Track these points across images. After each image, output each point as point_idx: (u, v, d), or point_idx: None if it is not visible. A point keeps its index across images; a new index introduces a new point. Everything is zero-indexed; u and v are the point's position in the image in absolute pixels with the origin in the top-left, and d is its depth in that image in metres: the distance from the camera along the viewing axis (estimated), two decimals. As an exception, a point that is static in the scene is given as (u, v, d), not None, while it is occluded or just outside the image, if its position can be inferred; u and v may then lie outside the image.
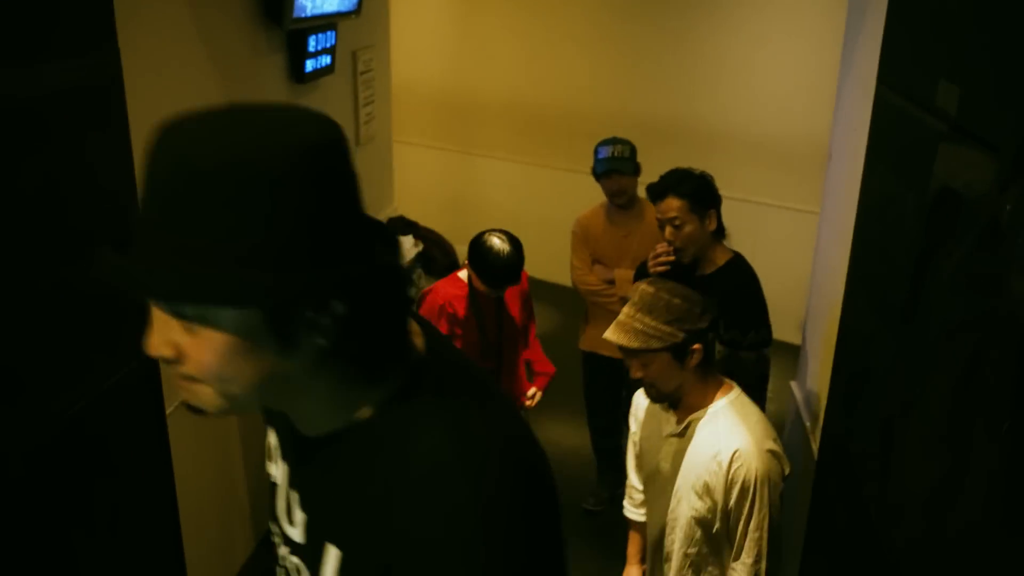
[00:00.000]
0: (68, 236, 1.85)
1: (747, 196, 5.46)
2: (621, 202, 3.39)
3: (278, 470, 1.04)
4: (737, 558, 1.95)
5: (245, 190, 0.75)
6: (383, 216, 4.82)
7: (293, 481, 0.99)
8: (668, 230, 2.60)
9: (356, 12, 3.73)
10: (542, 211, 6.13)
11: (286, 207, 0.76)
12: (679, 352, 1.90)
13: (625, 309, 1.93)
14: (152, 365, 2.12)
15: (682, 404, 2.02)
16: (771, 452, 1.91)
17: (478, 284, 2.90)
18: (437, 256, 4.52)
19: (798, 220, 5.12)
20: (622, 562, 2.36)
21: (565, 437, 4.11)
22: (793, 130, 5.12)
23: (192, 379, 0.85)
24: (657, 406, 2.10)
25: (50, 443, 1.79)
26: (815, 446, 2.50)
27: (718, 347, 2.56)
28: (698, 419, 1.99)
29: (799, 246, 4.70)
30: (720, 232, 2.67)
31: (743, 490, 1.89)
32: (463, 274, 3.02)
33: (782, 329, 5.36)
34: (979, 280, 1.14)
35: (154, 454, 2.16)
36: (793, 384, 3.06)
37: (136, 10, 2.32)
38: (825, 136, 3.14)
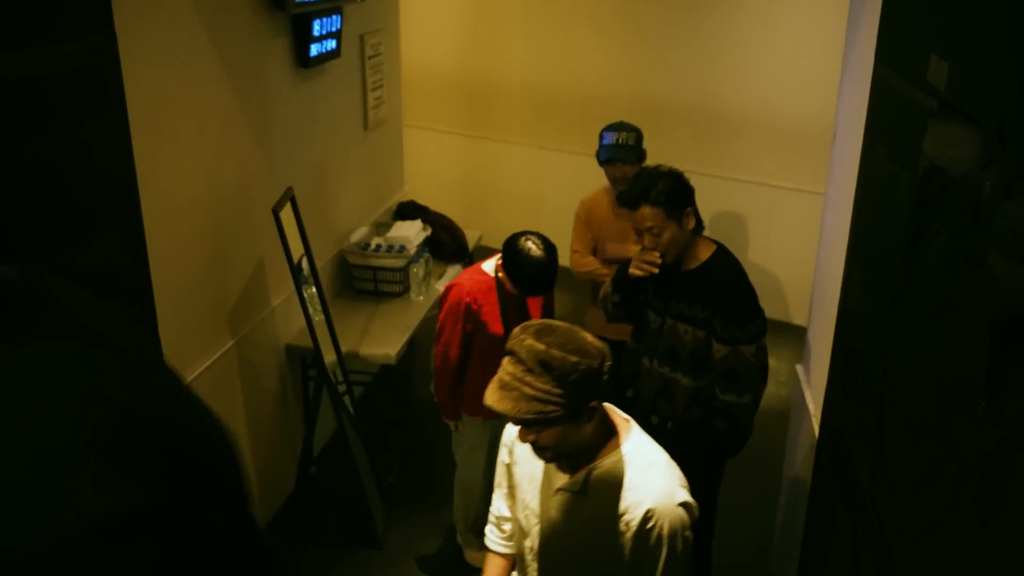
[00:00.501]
0: (66, 218, 1.87)
1: (761, 179, 5.41)
2: (624, 188, 3.36)
3: None
4: None
5: None
6: (393, 201, 4.83)
7: None
8: (647, 238, 2.53)
9: (362, -4, 3.73)
10: (554, 195, 6.11)
11: None
12: (577, 414, 1.65)
13: (509, 367, 1.65)
14: (155, 347, 2.14)
15: (577, 456, 1.78)
16: (683, 505, 1.71)
17: (508, 285, 2.86)
18: (446, 240, 4.52)
19: (812, 203, 5.06)
20: None
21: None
22: (806, 112, 5.07)
23: None
24: None
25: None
26: (817, 430, 2.49)
27: (717, 346, 2.53)
28: (598, 473, 1.75)
29: (813, 229, 4.67)
30: (699, 226, 2.59)
31: (657, 551, 1.70)
32: (487, 265, 2.96)
33: (795, 312, 5.34)
34: (962, 260, 1.12)
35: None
36: (798, 367, 3.03)
37: (134, -6, 2.32)
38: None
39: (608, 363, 1.66)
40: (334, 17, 3.56)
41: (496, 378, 1.67)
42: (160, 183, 2.52)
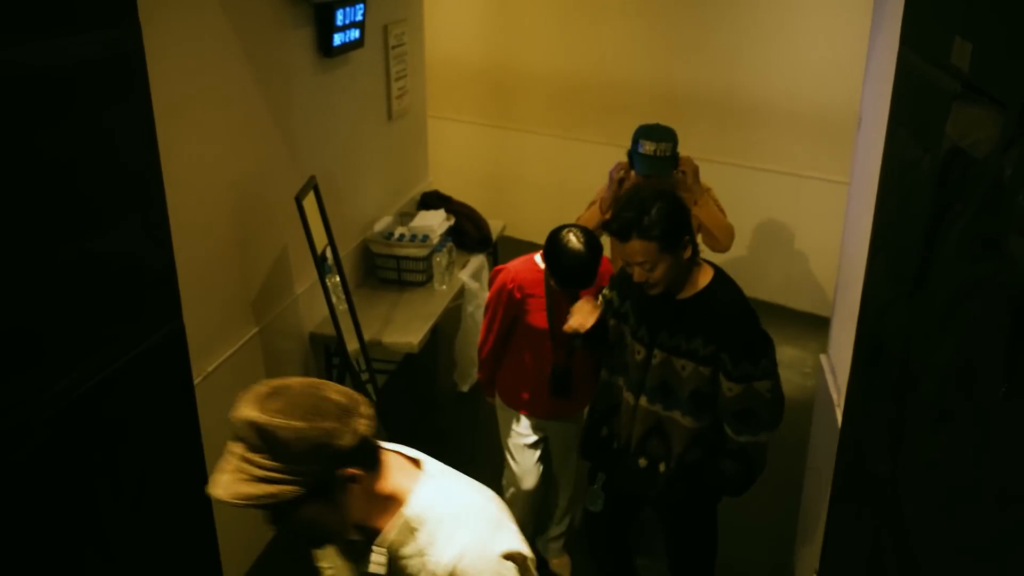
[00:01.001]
0: (91, 205, 1.89)
1: (786, 168, 5.36)
2: None
3: None
4: None
5: None
6: (417, 190, 4.84)
7: None
8: (637, 271, 2.24)
9: (385, -15, 3.73)
10: (578, 185, 6.08)
11: None
12: (325, 488, 1.35)
13: (230, 446, 1.35)
14: (178, 334, 2.16)
15: (361, 527, 1.47)
16: (506, 555, 1.43)
17: (550, 280, 2.81)
18: (469, 230, 4.53)
19: (838, 192, 5.01)
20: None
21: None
22: (832, 100, 5.00)
23: None
24: None
25: (74, 413, 1.84)
26: (840, 419, 2.47)
27: (728, 384, 2.29)
28: (392, 546, 1.44)
29: (839, 219, 4.62)
30: (695, 251, 2.32)
31: None
32: (540, 256, 2.89)
33: (821, 303, 5.28)
34: (983, 244, 1.11)
35: (182, 424, 2.19)
36: (822, 357, 3.01)
37: (158, -16, 2.34)
38: (861, 104, 3.07)
39: (360, 417, 1.37)
40: (357, 7, 3.58)
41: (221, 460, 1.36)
42: (184, 171, 2.55)
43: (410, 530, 1.45)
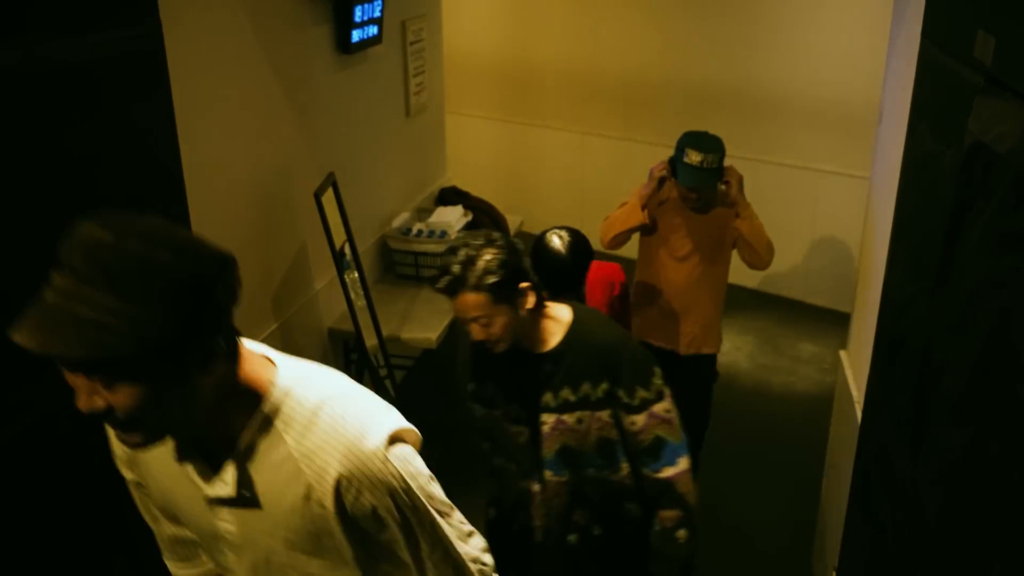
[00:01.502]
0: (113, 201, 1.91)
1: (806, 163, 5.33)
2: (696, 207, 3.18)
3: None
4: None
5: None
6: (435, 186, 4.85)
7: None
8: (474, 329, 1.99)
9: (403, -19, 3.74)
10: (597, 181, 6.09)
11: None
12: (179, 359, 1.01)
13: (54, 279, 0.97)
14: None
15: (210, 441, 1.18)
16: (387, 445, 1.19)
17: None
18: (487, 226, 4.53)
19: (858, 187, 4.98)
20: None
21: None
22: (853, 94, 4.96)
23: None
24: None
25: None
26: (860, 416, 2.45)
27: (630, 419, 2.03)
28: (250, 454, 1.17)
29: (859, 214, 4.58)
30: (540, 299, 2.04)
31: (380, 531, 1.22)
32: None
33: (842, 299, 5.25)
34: (1006, 239, 1.10)
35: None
36: (842, 353, 2.99)
37: (179, -18, 2.36)
38: (882, 98, 3.04)
39: (226, 273, 1.05)
40: (376, 3, 3.59)
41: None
42: (204, 167, 2.57)
43: (277, 433, 1.16)
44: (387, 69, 4.07)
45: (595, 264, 2.78)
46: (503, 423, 2.18)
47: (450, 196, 4.71)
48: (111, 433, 1.23)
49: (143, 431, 1.06)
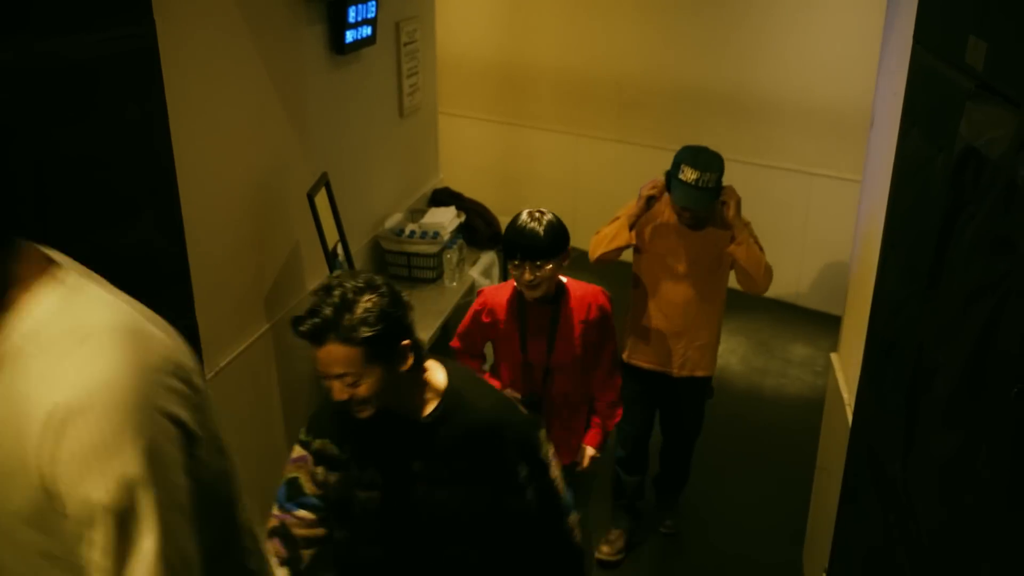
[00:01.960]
0: (106, 200, 1.91)
1: (798, 166, 5.35)
2: (690, 224, 3.03)
3: None
4: None
5: None
6: (428, 187, 4.85)
7: None
8: (336, 387, 1.68)
9: (397, -18, 3.74)
10: (590, 182, 6.10)
11: None
12: None
13: None
14: (191, 329, 2.18)
15: None
16: (141, 377, 0.96)
17: (511, 269, 2.55)
18: (480, 227, 4.53)
19: (850, 190, 5.00)
20: None
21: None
22: (845, 98, 4.99)
23: None
24: None
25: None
26: (851, 418, 2.46)
27: (529, 490, 1.83)
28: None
29: (851, 217, 4.61)
30: (419, 357, 1.77)
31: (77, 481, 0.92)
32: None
33: (833, 302, 5.27)
34: (997, 243, 1.10)
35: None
36: (833, 356, 3.01)
37: (172, -19, 2.36)
38: (874, 102, 3.05)
39: None
40: (369, 4, 3.58)
41: None
42: (197, 167, 2.57)
43: (20, 353, 0.95)
44: (381, 70, 4.07)
45: (571, 283, 2.67)
46: (352, 488, 1.86)
47: (443, 197, 4.71)
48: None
49: None
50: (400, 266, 4.12)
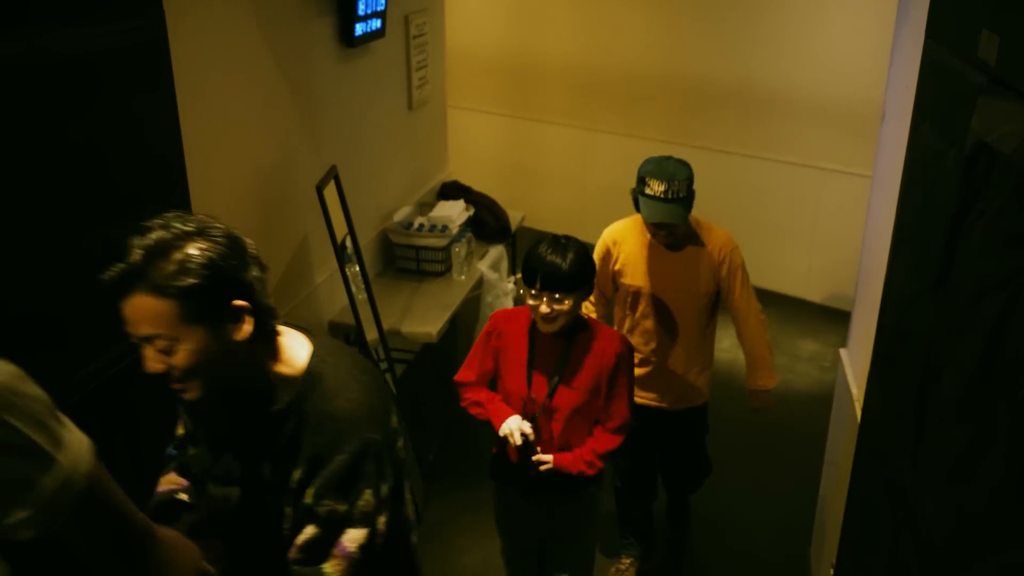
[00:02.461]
0: (116, 192, 1.91)
1: (808, 161, 5.32)
2: (668, 243, 2.81)
3: None
4: None
5: None
6: (437, 181, 4.85)
7: None
8: (148, 353, 1.34)
9: (407, -25, 3.74)
10: (598, 176, 6.08)
11: None
12: None
13: None
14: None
15: None
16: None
17: (527, 298, 2.35)
18: (489, 221, 4.53)
19: (861, 185, 4.97)
20: None
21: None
22: (855, 92, 4.96)
23: None
24: None
25: (98, 399, 1.87)
26: (859, 414, 2.45)
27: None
28: None
29: (861, 212, 4.58)
30: (268, 331, 1.44)
31: None
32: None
33: (842, 297, 5.25)
34: (1008, 239, 1.10)
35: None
36: (842, 351, 2.99)
37: (182, -27, 2.36)
38: (885, 97, 3.03)
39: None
40: (379, -4, 3.58)
41: None
42: (206, 159, 2.57)
43: None
44: (390, 63, 4.07)
45: (594, 323, 2.49)
46: (204, 478, 1.58)
47: (452, 190, 4.71)
48: None
49: None
50: (409, 259, 4.13)
